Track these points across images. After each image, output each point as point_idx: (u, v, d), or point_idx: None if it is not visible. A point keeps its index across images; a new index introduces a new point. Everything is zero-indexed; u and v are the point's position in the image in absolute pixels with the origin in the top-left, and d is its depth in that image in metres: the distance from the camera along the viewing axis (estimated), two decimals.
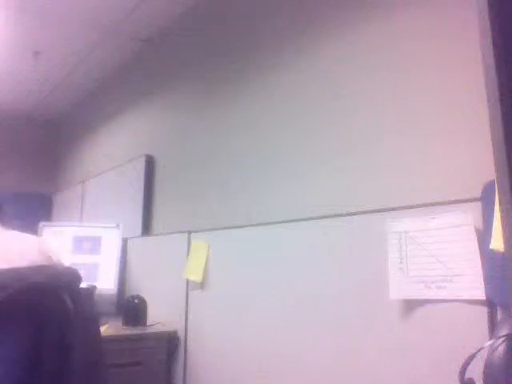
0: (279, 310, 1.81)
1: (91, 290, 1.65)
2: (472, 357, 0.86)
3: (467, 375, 0.86)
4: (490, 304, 1.17)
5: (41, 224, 2.91)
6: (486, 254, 1.16)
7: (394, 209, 1.45)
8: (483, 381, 0.85)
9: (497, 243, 1.01)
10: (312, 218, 1.75)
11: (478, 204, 1.21)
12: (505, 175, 0.63)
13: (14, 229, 1.60)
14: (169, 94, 3.21)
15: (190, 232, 2.45)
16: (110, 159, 3.99)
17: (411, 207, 1.40)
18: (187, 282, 2.38)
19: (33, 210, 4.92)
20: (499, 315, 1.15)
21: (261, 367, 1.86)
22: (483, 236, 1.18)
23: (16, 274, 1.11)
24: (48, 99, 4.89)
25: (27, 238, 1.42)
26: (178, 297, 2.43)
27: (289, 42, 2.15)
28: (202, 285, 2.27)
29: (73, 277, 1.23)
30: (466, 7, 1.40)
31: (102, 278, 2.79)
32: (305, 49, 2.06)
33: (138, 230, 3.13)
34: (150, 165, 3.25)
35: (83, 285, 1.33)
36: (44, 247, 1.38)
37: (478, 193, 1.21)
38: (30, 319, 1.09)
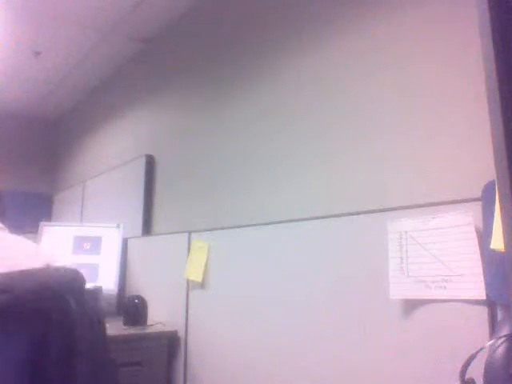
0: (279, 310, 1.81)
1: (97, 291, 1.64)
2: (472, 357, 0.86)
3: (468, 375, 0.86)
4: (490, 304, 1.17)
5: (41, 224, 2.91)
6: (486, 254, 1.16)
7: (394, 209, 1.45)
8: (484, 381, 0.85)
9: (497, 243, 1.01)
10: (312, 218, 1.75)
11: (478, 204, 1.21)
12: (505, 175, 0.63)
13: (13, 229, 1.61)
14: (169, 93, 3.21)
15: (190, 232, 2.45)
16: (110, 159, 3.99)
17: (411, 207, 1.40)
18: (187, 281, 2.38)
19: (33, 209, 4.92)
20: (499, 315, 1.15)
21: (261, 367, 1.86)
22: (483, 236, 1.18)
23: (21, 276, 1.12)
24: (48, 99, 4.89)
25: (27, 244, 1.43)
26: (179, 297, 2.43)
27: (290, 42, 2.15)
28: (202, 285, 2.27)
29: (76, 278, 1.22)
30: (466, 7, 1.40)
31: (102, 278, 2.79)
32: (306, 49, 2.06)
33: (139, 229, 3.13)
34: (150, 165, 3.25)
35: (89, 286, 1.34)
36: (43, 253, 1.39)
37: (478, 193, 1.21)
38: (35, 321, 1.08)
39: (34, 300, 1.09)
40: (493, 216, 1.02)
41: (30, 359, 1.06)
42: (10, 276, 1.09)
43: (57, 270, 1.26)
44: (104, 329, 1.35)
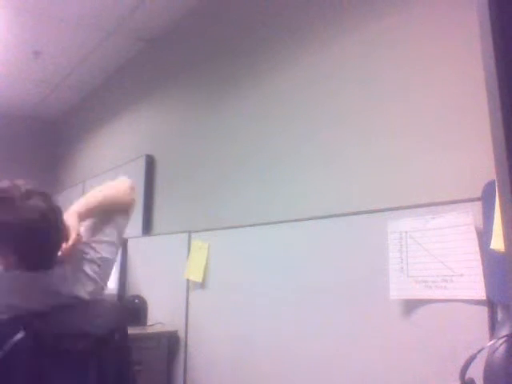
0: (279, 310, 1.80)
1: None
2: (473, 357, 0.86)
3: (468, 375, 0.86)
4: (490, 304, 1.17)
5: None
6: (486, 254, 1.16)
7: (394, 209, 1.45)
8: (484, 381, 0.85)
9: (497, 243, 1.01)
10: (312, 218, 1.75)
11: (478, 204, 1.21)
12: (505, 175, 0.63)
13: None
14: (169, 94, 3.21)
15: (190, 232, 2.45)
16: (110, 159, 3.99)
17: (411, 207, 1.40)
18: (187, 281, 2.38)
19: None
20: (499, 315, 1.15)
21: (261, 367, 1.86)
22: (483, 236, 1.18)
23: (96, 319, 1.23)
24: (48, 99, 4.89)
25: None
26: (179, 297, 2.43)
27: (289, 44, 2.15)
28: (202, 285, 2.27)
29: (126, 318, 1.38)
30: (467, 7, 1.40)
31: None
32: (305, 51, 2.06)
33: (139, 229, 3.13)
34: (150, 165, 3.25)
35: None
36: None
37: (478, 193, 1.21)
38: (96, 357, 1.19)
39: (99, 344, 1.19)
40: (493, 216, 1.02)
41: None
42: (87, 320, 1.21)
43: (115, 310, 1.35)
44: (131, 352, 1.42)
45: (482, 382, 0.86)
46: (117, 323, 1.27)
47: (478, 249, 1.21)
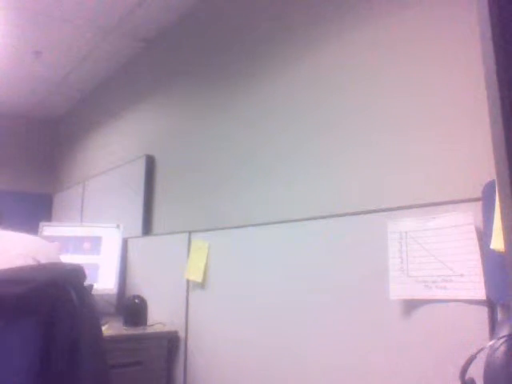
0: (279, 310, 1.80)
1: (90, 288, 1.68)
2: (473, 357, 0.86)
3: (468, 375, 0.86)
4: (490, 304, 1.17)
5: (41, 224, 2.91)
6: (486, 254, 1.16)
7: (393, 209, 1.45)
8: (484, 381, 0.85)
9: (497, 243, 1.01)
10: (312, 218, 1.75)
11: (478, 204, 1.21)
12: (505, 175, 0.63)
13: (13, 229, 1.60)
14: (169, 94, 3.21)
15: (190, 232, 2.45)
16: (110, 159, 3.99)
17: (411, 207, 1.40)
18: (187, 282, 2.38)
19: (33, 210, 4.92)
20: (499, 315, 1.15)
21: (261, 367, 1.86)
22: (483, 236, 1.18)
23: (32, 270, 1.24)
24: (48, 99, 4.89)
25: (27, 237, 1.47)
26: (179, 297, 2.43)
27: (289, 43, 2.15)
28: (202, 285, 2.27)
29: (79, 273, 1.31)
30: (466, 7, 1.40)
31: (102, 279, 2.79)
32: (305, 50, 2.06)
33: (139, 230, 3.13)
34: (150, 165, 3.25)
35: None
36: (44, 249, 1.42)
37: (478, 193, 1.21)
38: (43, 313, 1.17)
39: (42, 294, 1.17)
40: (493, 216, 1.02)
41: (38, 347, 1.13)
42: (23, 270, 1.22)
43: (62, 265, 1.33)
44: (100, 323, 1.43)
45: (482, 381, 0.86)
46: (64, 277, 1.21)
47: (478, 249, 1.21)
